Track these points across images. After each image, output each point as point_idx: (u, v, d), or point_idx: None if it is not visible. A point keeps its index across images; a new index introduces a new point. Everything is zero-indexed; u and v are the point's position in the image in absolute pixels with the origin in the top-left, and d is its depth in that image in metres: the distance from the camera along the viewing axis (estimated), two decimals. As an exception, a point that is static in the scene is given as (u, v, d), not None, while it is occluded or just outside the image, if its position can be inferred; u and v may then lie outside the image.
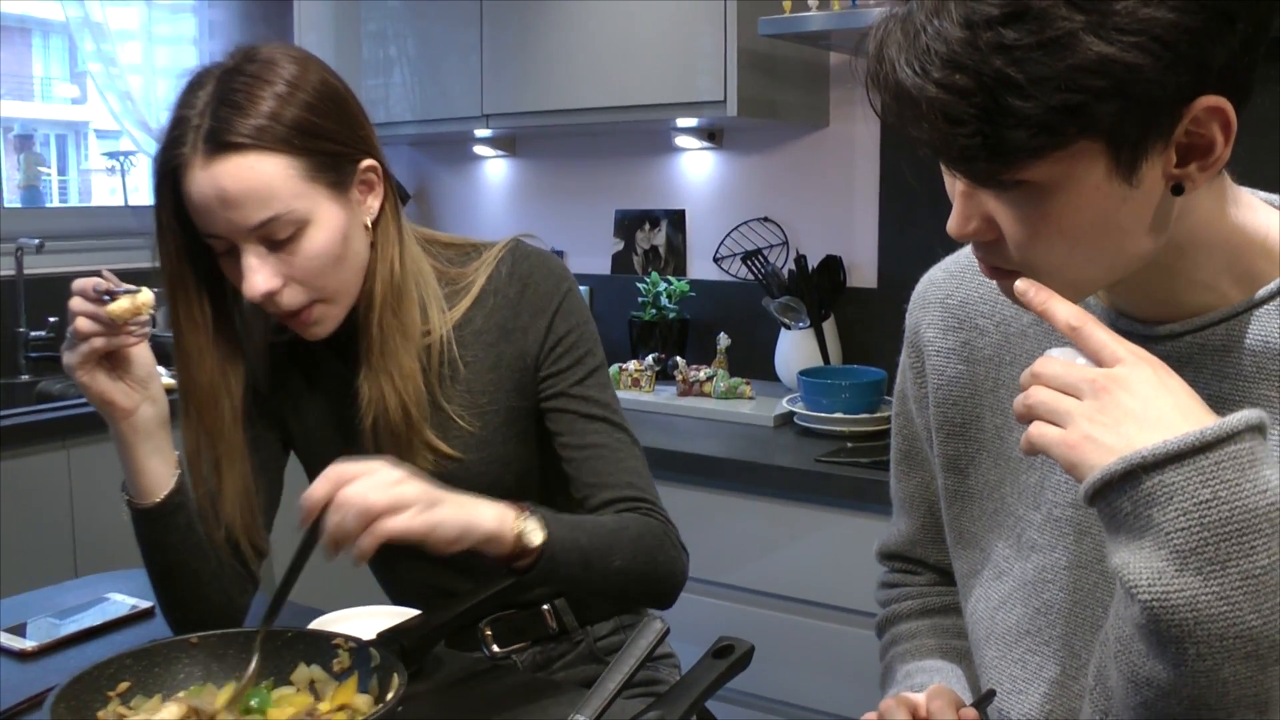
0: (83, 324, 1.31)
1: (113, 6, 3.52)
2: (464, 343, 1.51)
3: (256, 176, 1.33)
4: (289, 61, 1.39)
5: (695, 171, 3.44)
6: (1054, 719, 1.08)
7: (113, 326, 1.31)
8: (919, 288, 1.24)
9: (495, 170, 3.82)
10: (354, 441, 1.50)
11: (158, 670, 1.23)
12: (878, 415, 2.65)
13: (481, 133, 3.44)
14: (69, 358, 1.33)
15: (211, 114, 1.33)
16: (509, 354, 1.52)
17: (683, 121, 3.19)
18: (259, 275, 1.36)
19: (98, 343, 1.32)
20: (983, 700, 1.12)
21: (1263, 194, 1.02)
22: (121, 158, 3.94)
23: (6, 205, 3.55)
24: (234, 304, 1.49)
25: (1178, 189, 0.87)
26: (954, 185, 0.93)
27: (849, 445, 2.57)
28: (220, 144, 1.33)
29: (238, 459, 1.48)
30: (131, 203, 3.90)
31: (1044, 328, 1.10)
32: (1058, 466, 1.06)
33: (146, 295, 1.32)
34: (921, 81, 0.82)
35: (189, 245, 1.41)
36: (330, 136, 1.39)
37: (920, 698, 1.09)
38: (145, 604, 1.60)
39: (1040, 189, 0.86)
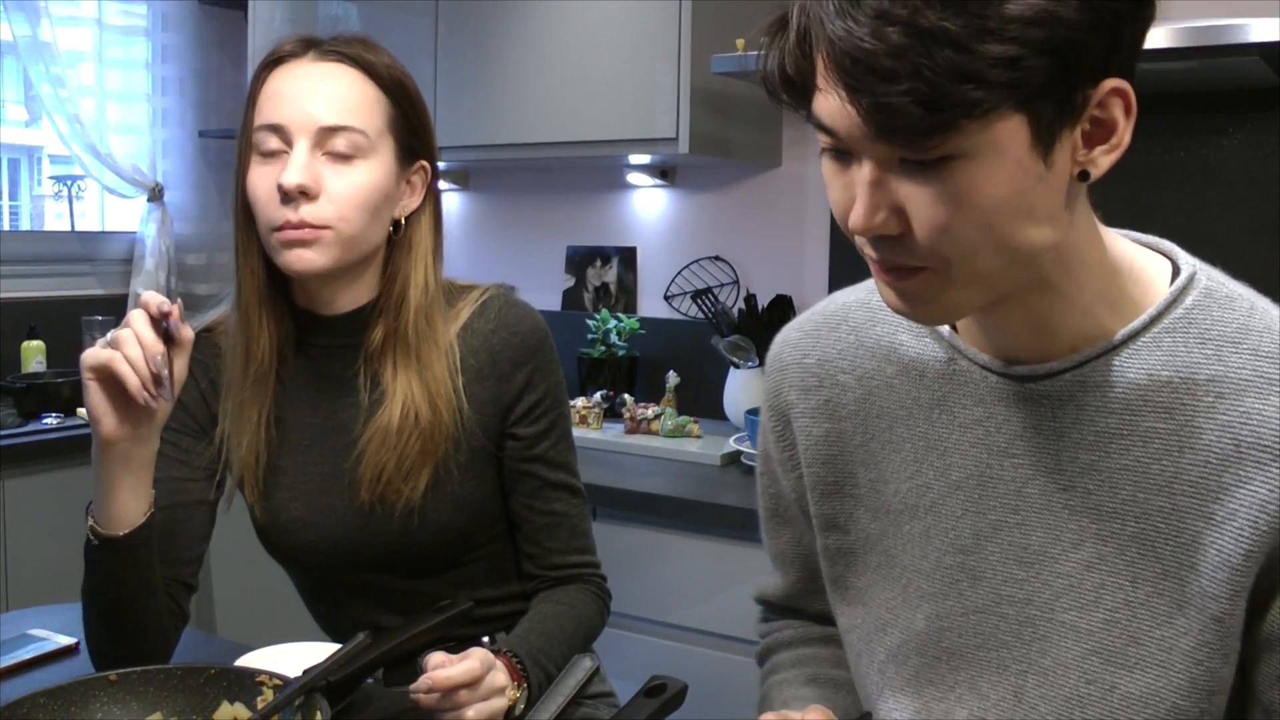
0: (123, 363, 1.24)
1: (63, 28, 3.48)
2: None
3: (352, 89, 1.45)
4: None
5: (647, 209, 3.44)
6: None
7: (153, 380, 1.24)
8: (774, 350, 1.21)
9: (447, 203, 3.79)
10: (340, 457, 1.51)
11: (74, 709, 1.19)
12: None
13: (434, 165, 3.42)
14: (92, 354, 1.25)
15: (329, 39, 1.47)
16: (480, 396, 1.52)
17: (635, 158, 3.19)
18: (303, 169, 1.40)
19: (132, 382, 1.24)
20: None
21: (1131, 233, 1.05)
22: (70, 182, 3.89)
23: (-55, 228, 3.49)
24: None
25: (1084, 175, 0.88)
26: (851, 178, 0.89)
27: (795, 486, 2.55)
28: (331, 52, 1.46)
29: (259, 404, 1.51)
30: (79, 228, 3.86)
31: (910, 378, 1.09)
32: (943, 513, 1.06)
33: None
34: (850, 37, 0.79)
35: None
36: (414, 108, 1.51)
37: (797, 714, 1.08)
38: (69, 640, 1.55)
39: (962, 162, 0.83)
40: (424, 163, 1.52)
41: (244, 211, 1.47)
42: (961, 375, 1.05)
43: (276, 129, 1.42)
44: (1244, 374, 0.94)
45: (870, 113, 0.81)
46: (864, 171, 0.87)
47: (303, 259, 1.42)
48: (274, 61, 1.46)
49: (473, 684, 1.26)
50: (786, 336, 1.20)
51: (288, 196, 1.40)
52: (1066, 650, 1.00)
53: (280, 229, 1.41)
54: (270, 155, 1.43)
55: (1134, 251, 1.02)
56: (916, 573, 1.09)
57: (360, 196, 1.43)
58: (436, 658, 1.26)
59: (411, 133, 1.50)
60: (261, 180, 1.43)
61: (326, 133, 1.42)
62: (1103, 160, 0.87)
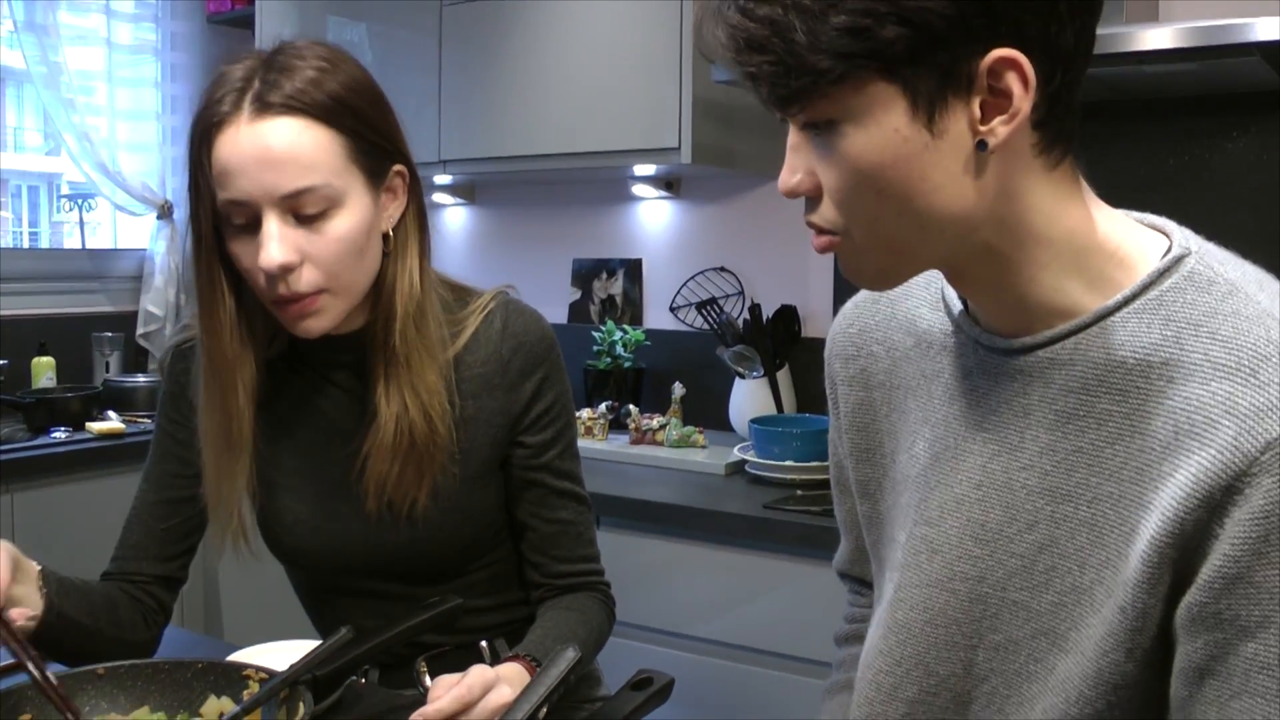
0: None
1: (73, 48, 3.52)
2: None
3: (302, 142, 1.32)
4: (330, 50, 1.39)
5: (652, 221, 3.45)
6: None
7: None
8: (834, 321, 1.24)
9: (454, 218, 3.82)
10: (345, 466, 1.48)
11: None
12: (828, 463, 2.62)
13: (440, 179, 3.44)
14: None
15: (260, 78, 1.33)
16: (489, 408, 1.51)
17: (640, 170, 3.20)
18: (280, 245, 1.32)
19: None
20: None
21: (1138, 214, 1.02)
22: (81, 200, 3.92)
23: (-44, 246, 3.52)
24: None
25: (981, 145, 0.88)
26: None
27: (798, 493, 2.55)
28: (269, 104, 1.32)
29: (245, 449, 1.46)
30: (89, 246, 3.88)
31: (920, 349, 1.10)
32: (922, 485, 1.06)
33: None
34: (730, 12, 0.88)
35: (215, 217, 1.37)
36: (370, 123, 1.39)
37: None
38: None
39: (844, 127, 0.89)
40: (397, 166, 1.44)
41: (208, 266, 1.40)
42: (958, 348, 1.05)
43: (239, 204, 1.33)
44: (1194, 358, 0.90)
45: (749, 83, 0.90)
46: (789, 138, 0.95)
47: (310, 329, 1.39)
48: (213, 122, 1.34)
49: (468, 707, 1.22)
50: (844, 309, 1.23)
51: (272, 275, 1.35)
52: (1018, 628, 0.99)
53: (276, 304, 1.38)
54: (243, 227, 1.35)
55: (1127, 231, 0.98)
56: (897, 544, 1.09)
57: (344, 248, 1.36)
58: (438, 689, 1.24)
59: (376, 149, 1.40)
60: (243, 253, 1.36)
61: (291, 197, 1.32)
62: (1000, 130, 0.88)
